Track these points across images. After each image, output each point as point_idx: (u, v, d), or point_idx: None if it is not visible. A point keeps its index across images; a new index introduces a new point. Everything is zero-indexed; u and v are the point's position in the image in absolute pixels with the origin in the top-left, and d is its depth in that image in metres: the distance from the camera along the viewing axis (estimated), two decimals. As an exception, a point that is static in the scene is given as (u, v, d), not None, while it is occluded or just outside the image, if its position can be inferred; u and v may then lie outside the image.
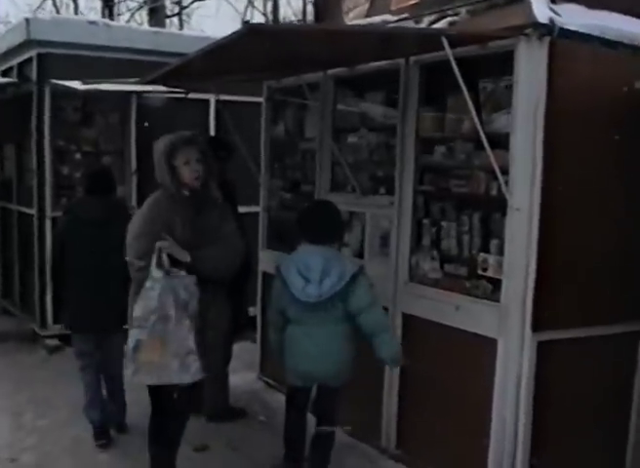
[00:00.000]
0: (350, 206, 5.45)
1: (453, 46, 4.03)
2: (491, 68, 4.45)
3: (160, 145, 4.29)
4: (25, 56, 8.04)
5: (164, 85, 6.67)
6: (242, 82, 6.63)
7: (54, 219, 7.58)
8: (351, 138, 5.69)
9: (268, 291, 6.19)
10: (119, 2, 21.60)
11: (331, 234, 4.47)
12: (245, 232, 5.03)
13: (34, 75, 7.83)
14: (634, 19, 4.56)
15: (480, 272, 4.47)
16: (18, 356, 7.57)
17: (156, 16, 16.53)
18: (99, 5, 21.34)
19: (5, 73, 8.82)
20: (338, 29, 4.61)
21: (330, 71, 5.74)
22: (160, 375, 4.07)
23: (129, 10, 22.08)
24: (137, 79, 6.30)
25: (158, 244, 4.07)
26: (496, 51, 4.28)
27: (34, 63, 7.79)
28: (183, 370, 4.04)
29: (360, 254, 5.43)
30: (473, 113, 4.11)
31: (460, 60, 4.08)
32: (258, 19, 22.85)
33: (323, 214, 4.54)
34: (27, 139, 8.15)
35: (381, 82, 5.39)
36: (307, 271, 4.29)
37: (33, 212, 8.01)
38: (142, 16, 21.15)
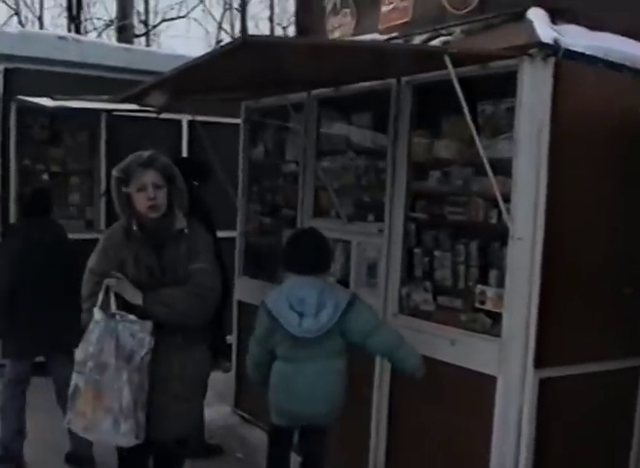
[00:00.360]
0: (335, 233, 5.14)
1: (453, 65, 3.80)
2: (490, 90, 4.23)
3: (114, 170, 3.82)
4: (-9, 71, 7.71)
5: (137, 104, 6.41)
6: (219, 101, 6.39)
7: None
8: (337, 162, 5.46)
9: (245, 320, 5.99)
10: (86, 20, 21.31)
11: (320, 264, 4.19)
12: (223, 262, 4.75)
13: (0, 91, 7.49)
14: (634, 42, 4.38)
15: (477, 305, 4.22)
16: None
17: (125, 35, 16.21)
18: (64, 23, 21.06)
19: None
20: (338, 44, 4.35)
21: (314, 91, 5.50)
22: (91, 433, 3.69)
23: (95, 29, 21.83)
24: (108, 96, 6.04)
25: (106, 281, 3.67)
26: (496, 71, 4.07)
27: (0, 79, 7.45)
28: (115, 428, 3.57)
29: (345, 285, 5.13)
30: (476, 137, 3.88)
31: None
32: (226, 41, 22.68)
33: (310, 244, 4.25)
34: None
35: (369, 103, 5.17)
36: (301, 305, 3.99)
37: (-3, 234, 7.63)
38: (110, 35, 20.84)
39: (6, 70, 7.41)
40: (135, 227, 3.76)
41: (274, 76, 4.58)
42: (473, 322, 4.25)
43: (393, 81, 4.73)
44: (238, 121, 6.63)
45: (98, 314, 3.64)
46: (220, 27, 23.62)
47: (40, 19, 22.81)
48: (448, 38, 4.46)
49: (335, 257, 5.21)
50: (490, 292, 4.15)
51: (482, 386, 4.09)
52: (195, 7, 24.43)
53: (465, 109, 3.82)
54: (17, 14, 22.28)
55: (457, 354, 4.25)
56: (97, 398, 3.57)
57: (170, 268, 3.78)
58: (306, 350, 4.02)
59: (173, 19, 23.58)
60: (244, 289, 6.30)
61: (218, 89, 5.23)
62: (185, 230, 3.86)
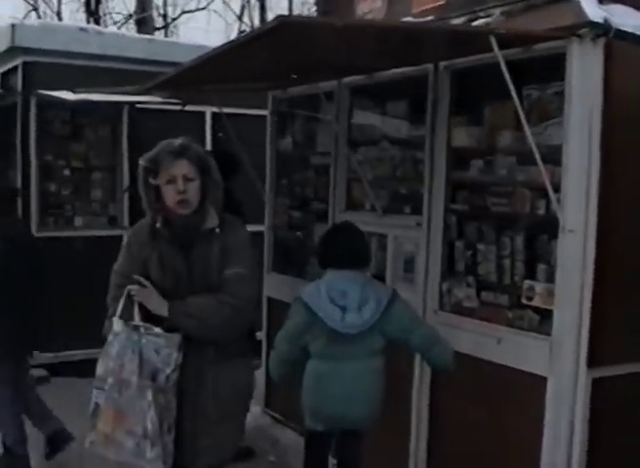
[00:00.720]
0: (369, 226, 4.87)
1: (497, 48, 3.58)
2: (535, 73, 4.00)
3: (141, 159, 3.41)
4: (10, 64, 7.59)
5: (160, 96, 6.25)
6: (245, 92, 6.20)
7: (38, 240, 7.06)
8: (371, 152, 5.23)
9: (275, 317, 5.80)
10: (104, 15, 21.20)
11: (360, 258, 4.01)
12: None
13: (19, 85, 7.38)
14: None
15: (525, 301, 3.99)
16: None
17: (144, 28, 16.07)
18: (83, 18, 20.93)
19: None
20: (377, 25, 4.12)
21: (345, 79, 5.29)
22: (116, 452, 3.28)
23: (115, 23, 21.67)
24: (132, 87, 5.86)
25: (128, 287, 3.32)
26: (540, 54, 3.85)
27: (19, 72, 7.34)
28: (139, 453, 3.22)
29: (380, 279, 4.91)
30: (524, 123, 3.66)
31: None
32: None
33: (349, 238, 4.05)
34: (12, 155, 7.65)
35: (405, 90, 4.95)
36: (343, 298, 3.78)
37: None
38: (129, 29, 20.67)
39: (25, 64, 7.28)
40: (159, 224, 3.38)
41: (306, 61, 4.37)
42: (520, 319, 4.03)
43: (430, 66, 4.51)
44: (263, 112, 6.46)
45: (118, 325, 3.30)
46: (240, 19, 23.40)
47: (59, 14, 22.70)
48: (487, 20, 4.23)
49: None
50: (539, 287, 3.92)
51: (531, 386, 3.88)
52: (214, -1, 24.24)
53: (514, 93, 3.61)
54: (35, 9, 22.20)
55: (503, 353, 4.03)
56: (117, 418, 3.24)
57: (199, 272, 3.37)
58: (346, 347, 3.82)
59: (192, 11, 23.36)
60: (273, 285, 6.13)
61: (245, 78, 5.05)
62: (217, 229, 3.41)
